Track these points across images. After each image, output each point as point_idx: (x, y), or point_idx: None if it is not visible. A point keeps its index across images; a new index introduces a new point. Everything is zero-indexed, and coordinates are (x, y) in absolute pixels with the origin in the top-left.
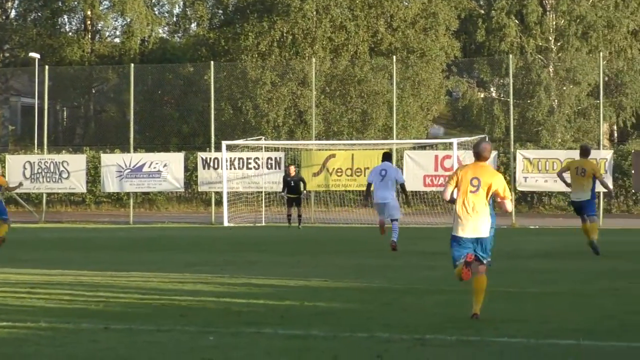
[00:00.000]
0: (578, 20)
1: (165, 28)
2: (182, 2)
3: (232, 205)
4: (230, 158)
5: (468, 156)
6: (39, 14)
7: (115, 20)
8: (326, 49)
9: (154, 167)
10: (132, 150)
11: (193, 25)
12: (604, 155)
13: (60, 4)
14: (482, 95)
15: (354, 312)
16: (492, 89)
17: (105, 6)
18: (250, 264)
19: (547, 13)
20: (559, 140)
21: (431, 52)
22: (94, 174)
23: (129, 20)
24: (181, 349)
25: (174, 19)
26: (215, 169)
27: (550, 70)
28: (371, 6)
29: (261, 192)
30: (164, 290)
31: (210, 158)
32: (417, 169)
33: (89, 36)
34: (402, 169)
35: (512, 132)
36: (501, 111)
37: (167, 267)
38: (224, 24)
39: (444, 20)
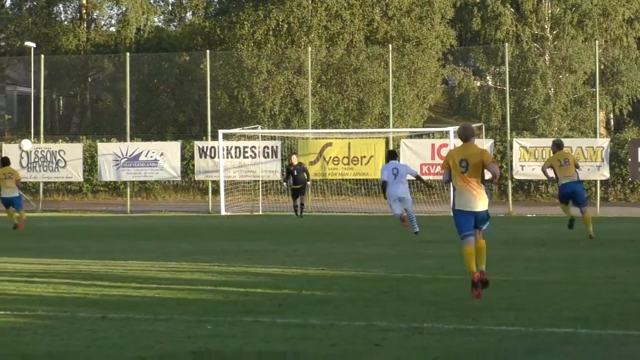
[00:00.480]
0: (574, 8)
1: (161, 17)
2: None
3: (229, 194)
4: (227, 147)
5: None
6: (35, 3)
7: (111, 9)
8: (322, 38)
9: (151, 156)
10: (128, 139)
11: (188, 14)
12: (600, 144)
13: None
14: (478, 84)
15: (351, 301)
16: (488, 78)
17: None
18: (247, 252)
19: (543, 1)
20: (556, 128)
21: (427, 40)
22: (90, 163)
23: (124, 9)
24: (178, 337)
25: (170, 7)
26: (211, 157)
27: (546, 58)
28: None
29: (258, 180)
30: (162, 279)
31: (206, 147)
32: (414, 158)
33: (85, 25)
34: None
35: (508, 121)
36: (497, 100)
37: (165, 256)
38: (219, 12)
39: (440, 8)
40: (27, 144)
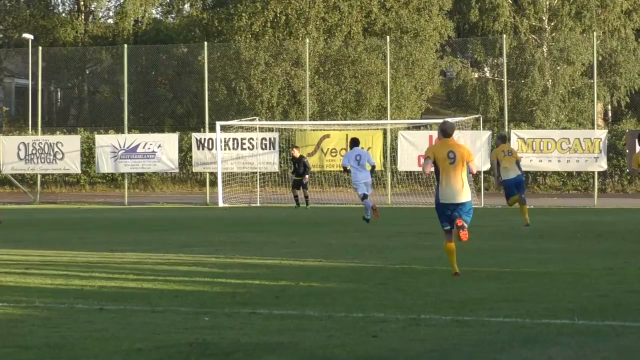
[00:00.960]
0: (571, 0)
1: (159, 9)
2: None
3: (226, 185)
4: (225, 138)
5: (462, 136)
6: None
7: (109, 1)
8: (320, 30)
9: (148, 148)
10: (126, 131)
11: (186, 6)
12: (598, 135)
13: None
14: (476, 75)
15: (349, 292)
16: (486, 69)
17: None
18: (245, 244)
19: None
20: (553, 120)
21: (425, 32)
22: (88, 155)
23: (122, 0)
24: (176, 329)
25: None
26: (209, 149)
27: (544, 50)
28: None
29: (256, 172)
30: (159, 271)
31: (204, 139)
32: (412, 149)
33: (82, 17)
34: (396, 149)
35: (506, 112)
36: (495, 91)
37: (162, 247)
38: (217, 4)
39: (438, 0)
40: None
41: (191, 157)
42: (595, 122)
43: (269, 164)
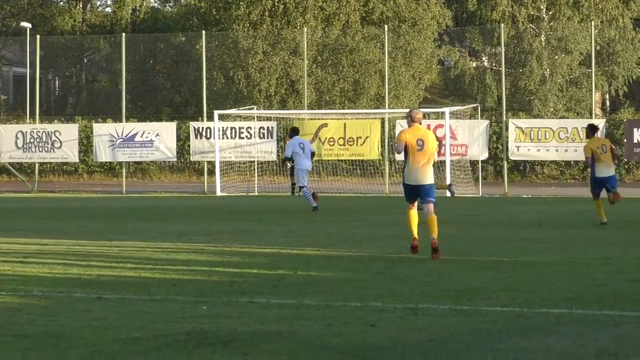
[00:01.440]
0: None
1: None
2: None
3: (224, 174)
4: (223, 127)
5: (460, 125)
6: None
7: None
8: (317, 18)
9: (146, 137)
10: (124, 119)
11: None
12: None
13: None
14: (474, 65)
15: (346, 281)
16: (484, 58)
17: None
18: (243, 233)
19: None
20: (551, 109)
21: (423, 21)
22: (86, 144)
23: None
24: (174, 318)
25: None
26: (207, 138)
27: (542, 39)
28: None
29: (254, 161)
30: (157, 260)
31: (202, 127)
32: None
33: (80, 6)
34: (394, 138)
35: (504, 102)
36: (493, 80)
37: (160, 236)
38: None
39: None
40: None
41: (189, 146)
42: (593, 112)
43: (267, 152)
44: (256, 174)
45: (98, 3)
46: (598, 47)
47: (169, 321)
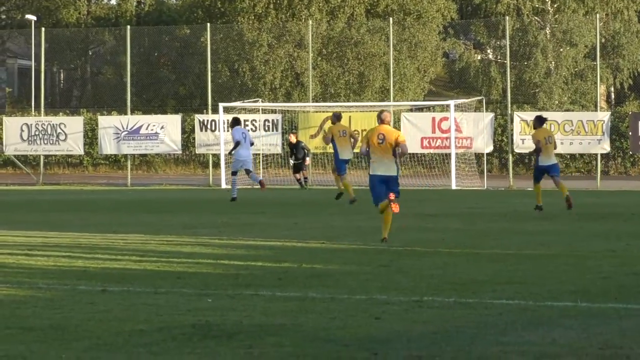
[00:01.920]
0: None
1: None
2: None
3: (229, 167)
4: (228, 120)
5: (465, 118)
6: None
7: None
8: (322, 11)
9: (151, 129)
10: (129, 112)
11: None
12: (601, 117)
13: None
14: (478, 57)
15: (351, 274)
16: (488, 51)
17: None
18: (248, 226)
19: None
20: (556, 102)
21: (428, 14)
22: (91, 136)
23: None
24: (179, 310)
25: None
26: (212, 131)
27: (547, 32)
28: None
29: (259, 154)
30: (162, 253)
31: (207, 120)
32: (415, 131)
33: None
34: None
35: (509, 94)
36: (498, 73)
37: (165, 229)
38: None
39: None
40: None
41: (194, 138)
42: (598, 104)
43: (272, 145)
44: (261, 167)
45: None
46: (603, 40)
47: (174, 314)
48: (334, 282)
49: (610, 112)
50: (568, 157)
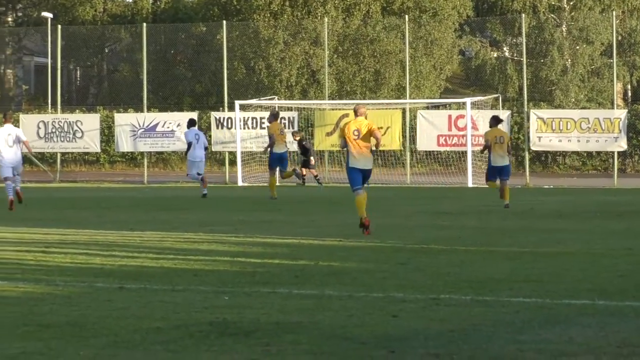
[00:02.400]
0: None
1: None
2: None
3: (246, 164)
4: (244, 118)
5: (481, 115)
6: None
7: None
8: (338, 9)
9: (168, 127)
10: (145, 109)
11: None
12: (617, 115)
13: None
14: (495, 55)
15: (368, 272)
16: (505, 49)
17: None
18: (264, 223)
19: None
20: (573, 99)
21: (443, 11)
22: (107, 134)
23: None
24: (195, 308)
25: None
26: (228, 128)
27: (563, 29)
28: None
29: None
30: (179, 250)
31: (223, 118)
32: (431, 129)
33: None
34: (415, 129)
35: (525, 92)
36: (514, 71)
37: (182, 226)
38: None
39: None
40: None
41: (210, 136)
42: (615, 102)
43: (288, 143)
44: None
45: None
46: (619, 38)
47: (191, 311)
48: (351, 280)
49: (627, 110)
50: (585, 155)
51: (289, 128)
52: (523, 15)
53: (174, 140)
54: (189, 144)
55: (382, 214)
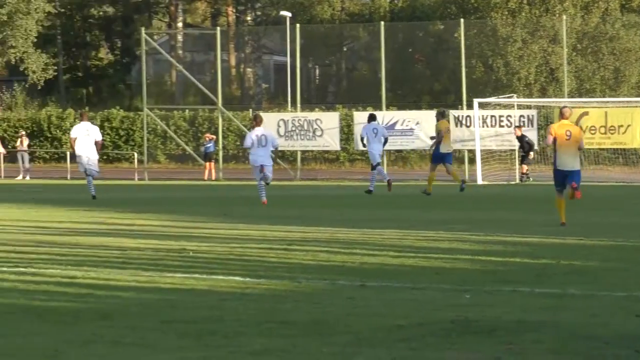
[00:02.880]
0: None
1: None
2: None
3: (485, 163)
4: (482, 116)
5: None
6: None
7: None
8: (576, 6)
9: (406, 125)
10: (384, 108)
11: None
12: None
13: None
14: None
15: (611, 271)
16: None
17: None
18: (504, 222)
19: None
20: None
21: None
22: (347, 132)
23: None
24: (437, 306)
25: None
26: (467, 126)
27: None
28: None
29: (514, 149)
30: (419, 248)
31: (462, 116)
32: None
33: None
34: None
35: None
36: None
37: (421, 224)
38: None
39: None
40: None
41: None
42: None
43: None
44: (517, 163)
45: None
46: None
47: (432, 309)
48: (593, 279)
49: None
50: None
51: (528, 126)
52: None
53: (413, 139)
54: (361, 138)
55: (624, 212)
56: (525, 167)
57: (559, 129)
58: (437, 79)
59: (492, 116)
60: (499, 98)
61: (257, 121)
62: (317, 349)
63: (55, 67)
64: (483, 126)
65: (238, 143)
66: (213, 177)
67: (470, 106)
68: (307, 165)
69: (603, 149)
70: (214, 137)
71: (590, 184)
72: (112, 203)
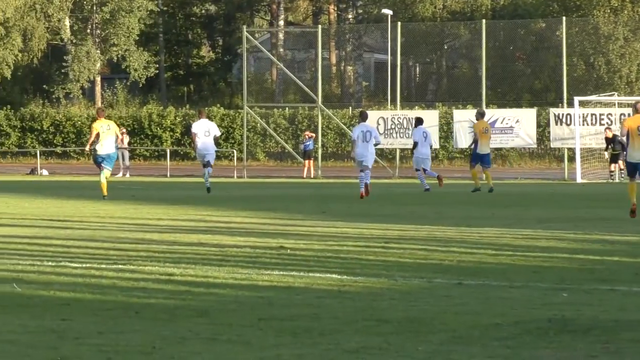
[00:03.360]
0: None
1: None
2: None
3: (585, 161)
4: (583, 114)
5: None
6: None
7: None
8: None
9: (506, 123)
10: (484, 105)
11: None
12: None
13: None
14: None
15: None
16: None
17: None
18: (603, 220)
19: None
20: None
21: None
22: (446, 130)
23: None
24: (534, 304)
25: None
26: (567, 125)
27: None
28: None
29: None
30: (517, 247)
31: (562, 114)
32: None
33: None
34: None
35: None
36: None
37: (519, 223)
38: None
39: None
40: None
41: (549, 132)
42: None
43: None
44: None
45: None
46: None
47: (529, 308)
48: None
49: None
50: None
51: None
52: None
53: (513, 137)
54: (415, 143)
55: None
56: (613, 165)
57: (632, 122)
58: (538, 77)
59: (592, 114)
60: (599, 96)
61: (362, 117)
62: (412, 347)
63: (157, 65)
64: (583, 124)
65: (337, 141)
66: (312, 175)
67: (570, 104)
68: (405, 164)
69: None
70: (314, 134)
71: None
72: (211, 200)
